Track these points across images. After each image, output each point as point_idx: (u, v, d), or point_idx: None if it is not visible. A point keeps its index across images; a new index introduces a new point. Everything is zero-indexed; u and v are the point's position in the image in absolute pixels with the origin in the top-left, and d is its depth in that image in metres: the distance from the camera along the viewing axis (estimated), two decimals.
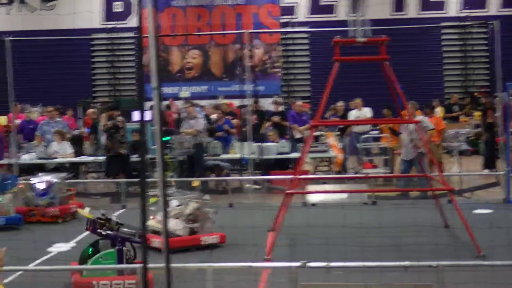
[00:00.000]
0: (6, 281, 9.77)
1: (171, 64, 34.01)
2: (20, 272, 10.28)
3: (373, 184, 18.18)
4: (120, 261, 9.84)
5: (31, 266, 10.83)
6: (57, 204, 15.97)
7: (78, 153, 22.10)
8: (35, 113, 25.19)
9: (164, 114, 25.21)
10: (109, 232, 10.21)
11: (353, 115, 21.93)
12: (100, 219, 10.36)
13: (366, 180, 17.99)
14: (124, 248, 10.01)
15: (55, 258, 12.02)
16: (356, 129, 21.95)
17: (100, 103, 30.90)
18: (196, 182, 17.02)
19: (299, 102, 24.00)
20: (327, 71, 13.24)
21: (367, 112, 21.93)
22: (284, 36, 34.94)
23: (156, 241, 11.18)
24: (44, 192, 16.13)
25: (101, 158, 20.47)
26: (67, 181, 16.95)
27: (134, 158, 19.83)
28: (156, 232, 11.72)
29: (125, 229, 10.31)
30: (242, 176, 20.45)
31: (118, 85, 36.12)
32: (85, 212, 11.22)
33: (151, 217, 12.37)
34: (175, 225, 12.61)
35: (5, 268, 8.85)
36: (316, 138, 21.44)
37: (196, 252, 12.30)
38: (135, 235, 10.19)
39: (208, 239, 12.77)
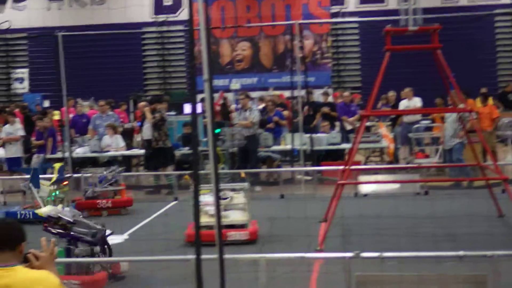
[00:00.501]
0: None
1: (221, 56, 34.10)
2: None
3: (425, 174, 18.04)
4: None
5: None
6: (91, 197, 16.15)
7: (130, 146, 22.32)
8: (86, 107, 25.48)
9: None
10: (60, 230, 10.18)
11: (403, 105, 21.78)
12: (51, 217, 10.35)
13: (418, 170, 17.87)
14: (73, 247, 10.07)
15: None
16: (406, 119, 21.81)
17: (151, 96, 31.11)
18: (243, 173, 17.08)
19: (346, 93, 23.90)
20: (378, 61, 13.17)
21: (417, 102, 21.73)
22: (334, 27, 34.78)
23: (237, 234, 11.97)
24: (91, 185, 16.34)
25: None
26: (117, 174, 17.00)
27: (186, 150, 19.96)
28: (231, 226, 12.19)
29: (79, 228, 10.26)
30: (293, 167, 20.43)
31: (169, 78, 36.34)
32: (43, 211, 11.28)
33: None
34: (240, 216, 12.73)
35: (58, 260, 8.96)
36: (368, 128, 21.34)
37: (247, 243, 12.35)
38: (87, 234, 10.17)
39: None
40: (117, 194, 16.56)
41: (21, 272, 4.20)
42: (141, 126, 22.28)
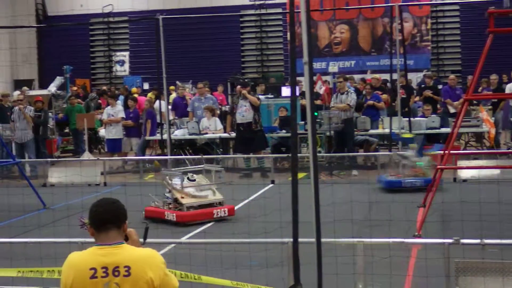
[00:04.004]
0: (161, 252, 10.01)
1: (319, 39, 34.02)
2: (173, 245, 10.55)
3: None
4: None
5: (183, 239, 11.12)
6: None
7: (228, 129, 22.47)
8: (186, 88, 25.62)
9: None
10: None
11: (509, 88, 21.28)
12: None
13: None
14: None
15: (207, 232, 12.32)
16: None
17: (248, 79, 31.28)
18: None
19: (453, 76, 23.49)
20: (479, 44, 12.90)
21: None
22: (434, 9, 34.28)
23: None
24: None
25: None
26: None
27: (282, 133, 19.99)
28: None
29: None
30: (391, 151, 20.21)
31: (266, 61, 36.46)
32: None
33: None
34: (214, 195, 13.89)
35: (160, 240, 9.11)
36: (468, 113, 20.93)
37: (344, 225, 12.31)
38: None
39: None
40: None
41: (129, 249, 4.34)
42: (233, 109, 22.36)
